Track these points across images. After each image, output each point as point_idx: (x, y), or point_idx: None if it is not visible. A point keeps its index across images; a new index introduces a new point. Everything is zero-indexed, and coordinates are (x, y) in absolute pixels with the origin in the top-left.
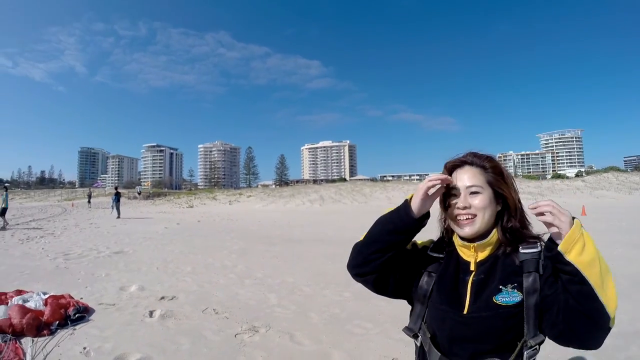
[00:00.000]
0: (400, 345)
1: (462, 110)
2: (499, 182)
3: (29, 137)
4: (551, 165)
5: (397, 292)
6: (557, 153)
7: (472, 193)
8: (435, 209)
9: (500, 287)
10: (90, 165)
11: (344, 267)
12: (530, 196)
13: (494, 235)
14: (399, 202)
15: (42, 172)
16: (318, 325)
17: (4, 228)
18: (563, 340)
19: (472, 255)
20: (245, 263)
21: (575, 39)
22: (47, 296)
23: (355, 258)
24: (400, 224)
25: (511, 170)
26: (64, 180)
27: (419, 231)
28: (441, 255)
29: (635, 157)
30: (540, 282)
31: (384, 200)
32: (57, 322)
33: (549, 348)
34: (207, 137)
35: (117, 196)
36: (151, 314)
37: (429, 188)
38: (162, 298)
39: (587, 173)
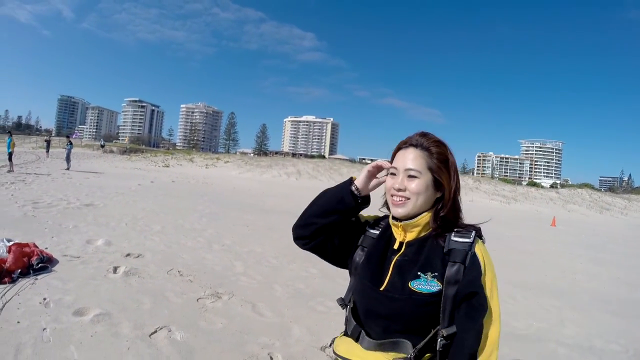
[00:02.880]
0: None
1: (449, 104)
2: (440, 169)
3: (9, 80)
4: (528, 172)
5: (335, 258)
6: (535, 161)
7: (410, 176)
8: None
9: (419, 273)
10: (69, 115)
11: None
12: (504, 199)
13: (423, 217)
14: None
15: (19, 117)
16: (281, 299)
17: (11, 170)
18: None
19: (400, 234)
20: (216, 228)
21: (570, 53)
22: (11, 243)
23: (298, 219)
24: (340, 196)
25: (488, 172)
26: (40, 127)
27: (355, 212)
28: (376, 232)
29: (610, 178)
30: (465, 274)
31: None
32: (19, 270)
33: (504, 350)
34: (190, 97)
35: (70, 146)
36: (115, 270)
37: (373, 168)
38: (128, 255)
39: (562, 186)
